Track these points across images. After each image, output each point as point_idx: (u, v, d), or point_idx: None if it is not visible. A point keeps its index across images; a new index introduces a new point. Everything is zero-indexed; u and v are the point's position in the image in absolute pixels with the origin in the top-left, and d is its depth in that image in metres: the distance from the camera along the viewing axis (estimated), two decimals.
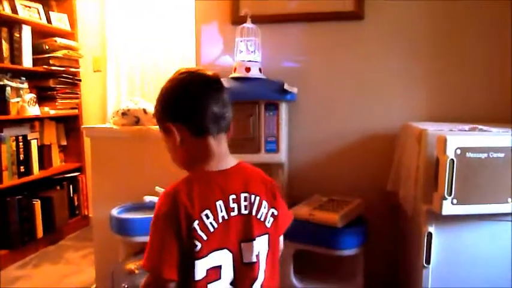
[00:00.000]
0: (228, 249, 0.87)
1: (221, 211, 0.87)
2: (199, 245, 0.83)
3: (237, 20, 1.86)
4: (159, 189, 1.55)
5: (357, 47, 1.86)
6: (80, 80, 3.19)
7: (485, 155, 1.22)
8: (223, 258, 0.87)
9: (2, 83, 2.55)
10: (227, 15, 1.92)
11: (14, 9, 2.69)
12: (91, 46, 3.23)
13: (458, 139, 1.22)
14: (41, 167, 2.89)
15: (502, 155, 1.22)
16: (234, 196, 0.89)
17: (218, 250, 0.86)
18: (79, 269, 2.43)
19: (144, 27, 3.03)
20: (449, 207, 1.22)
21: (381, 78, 1.85)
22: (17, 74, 2.69)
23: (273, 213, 0.95)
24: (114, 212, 1.64)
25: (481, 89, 1.79)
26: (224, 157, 0.93)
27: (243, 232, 0.89)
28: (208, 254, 0.85)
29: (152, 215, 0.86)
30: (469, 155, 1.21)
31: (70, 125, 3.18)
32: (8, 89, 2.58)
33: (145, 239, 0.86)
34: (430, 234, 1.32)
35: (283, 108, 1.69)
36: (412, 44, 1.82)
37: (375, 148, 1.86)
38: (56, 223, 2.86)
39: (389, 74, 1.85)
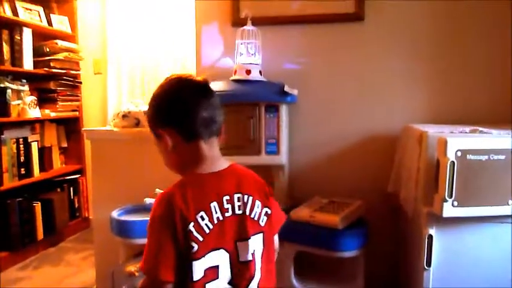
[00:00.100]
0: (225, 249, 0.89)
1: (216, 212, 0.88)
2: (195, 246, 0.85)
3: (238, 21, 1.86)
4: (159, 191, 1.54)
5: (358, 48, 1.86)
6: (80, 82, 3.20)
7: (486, 157, 1.22)
8: (220, 258, 0.88)
9: (2, 85, 2.55)
10: (227, 17, 1.92)
11: (14, 12, 2.69)
12: (92, 48, 3.24)
13: (459, 141, 1.22)
14: (42, 169, 2.90)
15: (502, 157, 1.22)
16: (227, 197, 0.91)
17: (215, 250, 0.87)
18: (79, 271, 2.43)
19: (145, 29, 3.04)
20: (449, 209, 1.22)
21: (382, 80, 1.85)
22: (17, 76, 2.70)
23: (266, 212, 0.97)
24: (115, 214, 1.64)
25: (482, 90, 1.79)
26: (216, 160, 0.95)
27: (238, 232, 0.91)
28: (205, 255, 0.86)
29: None
30: (469, 157, 1.21)
31: (71, 127, 3.18)
32: (9, 91, 2.59)
33: (146, 241, 0.87)
34: (430, 237, 1.31)
35: (284, 110, 1.69)
36: (412, 45, 1.82)
37: (375, 150, 1.86)
38: (56, 225, 2.86)
39: (390, 76, 1.85)
